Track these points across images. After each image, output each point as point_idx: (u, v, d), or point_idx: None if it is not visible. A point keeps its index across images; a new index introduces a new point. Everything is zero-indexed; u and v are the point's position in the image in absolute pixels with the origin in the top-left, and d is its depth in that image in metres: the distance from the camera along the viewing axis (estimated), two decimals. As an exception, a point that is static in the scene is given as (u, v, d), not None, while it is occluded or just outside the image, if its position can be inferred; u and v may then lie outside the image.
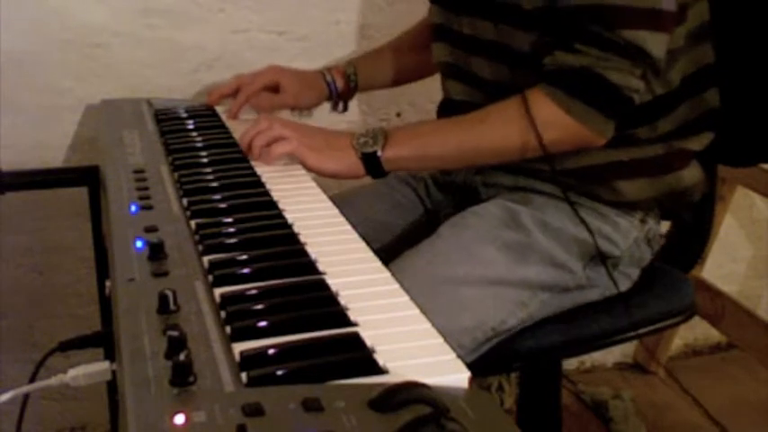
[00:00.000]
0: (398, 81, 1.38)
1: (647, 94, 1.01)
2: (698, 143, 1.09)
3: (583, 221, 1.02)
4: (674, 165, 1.08)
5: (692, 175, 1.09)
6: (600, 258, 1.05)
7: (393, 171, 1.05)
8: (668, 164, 1.07)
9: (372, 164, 1.02)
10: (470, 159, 1.05)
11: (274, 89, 1.30)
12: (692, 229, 1.24)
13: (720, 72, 1.08)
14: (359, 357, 0.61)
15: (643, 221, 1.09)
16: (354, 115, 1.60)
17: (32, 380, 0.96)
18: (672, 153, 1.07)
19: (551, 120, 0.97)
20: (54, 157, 1.46)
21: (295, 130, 1.05)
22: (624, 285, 1.10)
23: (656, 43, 0.95)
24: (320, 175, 1.03)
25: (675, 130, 1.07)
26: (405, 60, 1.34)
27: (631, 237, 1.08)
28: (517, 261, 1.01)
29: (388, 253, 1.04)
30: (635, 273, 1.12)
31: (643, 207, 1.08)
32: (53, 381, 0.82)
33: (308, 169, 1.03)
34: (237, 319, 0.64)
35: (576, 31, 0.96)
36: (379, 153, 1.01)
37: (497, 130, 1.00)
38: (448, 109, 1.17)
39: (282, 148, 1.04)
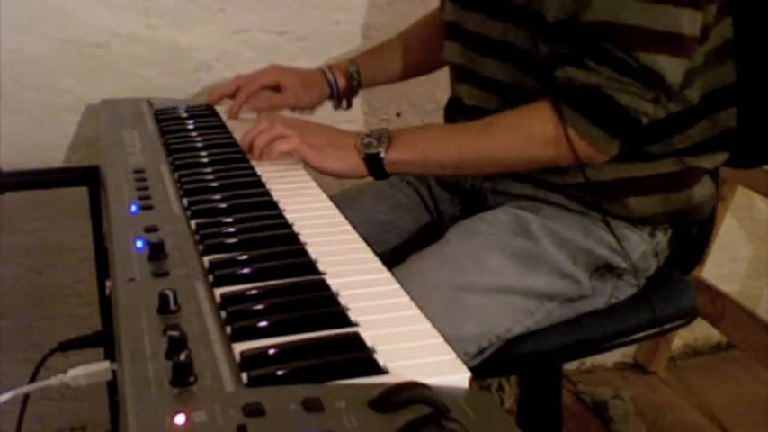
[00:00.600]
0: (404, 76, 1.37)
1: (661, 111, 0.99)
2: (711, 162, 1.08)
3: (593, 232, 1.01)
4: (687, 182, 1.06)
5: (703, 191, 1.08)
6: (608, 270, 1.05)
7: (395, 173, 1.05)
8: (681, 181, 1.06)
9: (375, 165, 1.02)
10: (472, 168, 1.05)
11: (275, 89, 1.29)
12: (693, 234, 1.24)
13: (741, 92, 1.06)
14: (359, 357, 0.61)
15: (652, 235, 1.08)
16: (354, 115, 1.60)
17: (32, 380, 0.96)
18: (684, 170, 1.06)
19: (555, 135, 0.96)
20: (54, 157, 1.46)
21: (297, 129, 1.04)
22: (629, 293, 1.10)
23: (672, 68, 0.93)
24: (322, 174, 1.03)
25: (691, 148, 1.05)
26: (411, 55, 1.33)
27: (639, 250, 1.07)
28: (526, 270, 1.01)
29: (390, 253, 1.05)
30: (640, 282, 1.11)
31: (653, 222, 1.07)
32: (53, 381, 0.82)
33: (310, 168, 1.03)
34: (238, 319, 0.64)
35: (590, 48, 0.94)
36: (383, 155, 1.01)
37: (500, 142, 1.00)
38: (456, 111, 1.17)
39: (284, 146, 1.02)
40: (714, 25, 1.00)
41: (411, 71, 1.36)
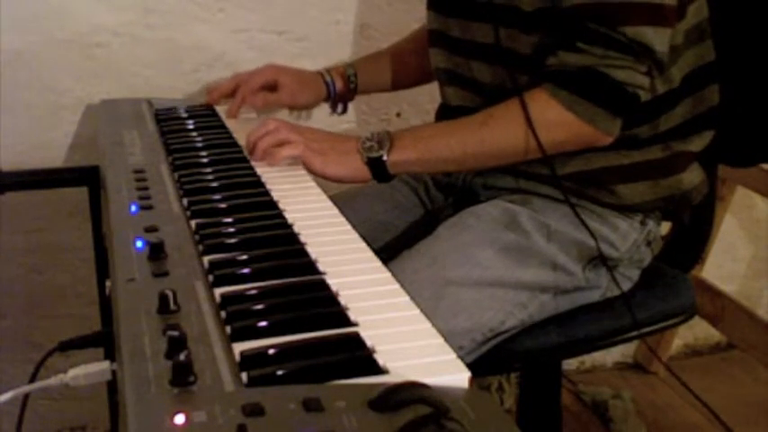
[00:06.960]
0: (399, 85, 1.37)
1: (656, 84, 1.01)
2: (698, 143, 1.09)
3: (584, 224, 1.02)
4: (675, 167, 1.07)
5: (692, 177, 1.09)
6: (600, 261, 1.05)
7: (399, 174, 1.05)
8: (669, 167, 1.07)
9: (378, 168, 1.02)
10: (475, 162, 1.05)
11: (272, 88, 1.29)
12: (691, 230, 1.24)
13: (721, 69, 1.08)
14: (359, 357, 0.61)
15: (643, 224, 1.09)
16: (354, 115, 1.60)
17: (32, 380, 0.96)
18: (672, 156, 1.07)
19: (557, 121, 0.97)
20: (54, 157, 1.46)
21: (301, 134, 1.05)
22: (624, 287, 1.10)
23: (658, 38, 0.95)
24: (326, 179, 1.03)
25: (676, 129, 1.06)
26: (407, 65, 1.34)
27: (631, 239, 1.08)
28: (516, 263, 1.01)
29: (388, 253, 1.05)
30: (635, 274, 1.12)
31: (643, 209, 1.08)
32: (53, 381, 0.82)
33: (314, 173, 1.03)
34: (237, 319, 0.64)
35: (578, 31, 0.95)
36: (385, 158, 1.01)
37: (502, 133, 1.00)
38: (446, 115, 1.17)
39: (288, 152, 1.03)
40: (690, 3, 1.02)
41: (408, 80, 1.36)
